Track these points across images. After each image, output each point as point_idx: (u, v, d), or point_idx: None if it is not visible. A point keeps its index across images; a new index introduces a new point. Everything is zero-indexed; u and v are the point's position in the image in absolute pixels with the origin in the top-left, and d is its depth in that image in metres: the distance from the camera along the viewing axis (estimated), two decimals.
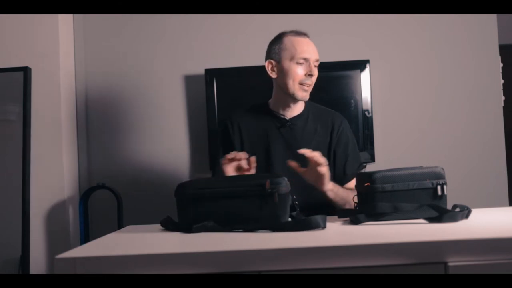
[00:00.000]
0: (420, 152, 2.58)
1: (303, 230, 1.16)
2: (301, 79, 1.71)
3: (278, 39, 1.76)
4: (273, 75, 1.76)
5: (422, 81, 2.60)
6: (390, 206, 1.25)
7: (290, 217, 1.30)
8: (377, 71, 2.58)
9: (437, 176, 1.33)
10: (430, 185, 1.31)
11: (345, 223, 1.29)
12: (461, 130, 2.58)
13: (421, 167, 1.39)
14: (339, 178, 1.73)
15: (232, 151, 1.75)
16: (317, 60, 1.74)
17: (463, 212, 1.26)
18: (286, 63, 1.72)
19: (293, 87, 1.72)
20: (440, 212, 1.24)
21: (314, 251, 0.95)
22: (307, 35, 1.76)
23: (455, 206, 1.32)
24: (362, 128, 2.49)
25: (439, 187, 1.31)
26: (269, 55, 1.78)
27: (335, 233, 1.13)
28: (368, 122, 2.50)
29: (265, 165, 1.73)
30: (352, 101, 2.50)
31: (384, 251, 0.95)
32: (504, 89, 2.60)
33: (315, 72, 1.73)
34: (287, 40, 1.73)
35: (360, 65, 2.51)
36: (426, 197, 1.31)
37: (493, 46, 2.59)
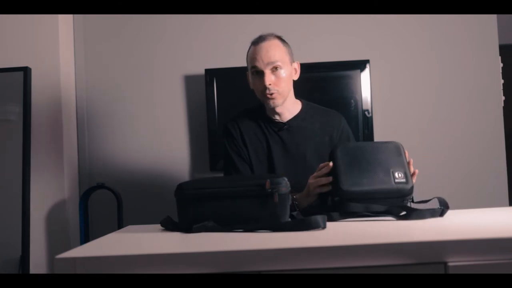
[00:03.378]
0: (420, 152, 2.58)
1: (303, 230, 1.16)
2: (261, 89, 1.67)
3: (248, 49, 1.73)
4: (251, 86, 1.76)
5: (422, 81, 2.60)
6: (362, 207, 1.30)
7: (290, 217, 1.30)
8: (377, 71, 2.58)
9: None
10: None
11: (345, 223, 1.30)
12: (461, 130, 2.58)
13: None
14: None
15: (242, 153, 1.74)
16: (272, 63, 1.64)
17: (435, 211, 1.29)
18: (249, 75, 1.73)
19: (260, 97, 1.71)
20: (408, 211, 1.28)
21: (314, 251, 0.95)
22: (268, 38, 1.67)
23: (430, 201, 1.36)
24: (362, 128, 2.49)
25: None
26: None
27: (335, 233, 1.13)
28: (368, 122, 2.50)
29: (267, 168, 1.73)
30: (352, 101, 2.50)
31: (384, 251, 0.95)
32: (504, 89, 2.61)
33: (271, 80, 1.64)
34: (249, 50, 1.72)
35: (360, 65, 2.51)
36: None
37: (493, 46, 2.59)
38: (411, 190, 1.34)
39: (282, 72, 1.66)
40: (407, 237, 1.03)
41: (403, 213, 1.29)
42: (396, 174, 1.33)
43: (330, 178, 1.42)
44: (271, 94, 1.66)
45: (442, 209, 1.31)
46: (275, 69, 1.65)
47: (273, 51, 1.65)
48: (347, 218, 1.31)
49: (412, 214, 1.26)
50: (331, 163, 1.40)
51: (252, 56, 1.68)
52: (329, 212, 1.30)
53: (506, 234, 1.00)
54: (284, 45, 1.70)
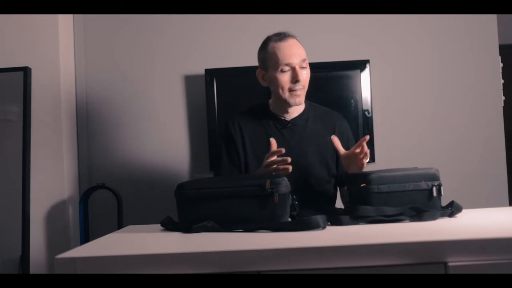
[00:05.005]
0: (420, 152, 2.58)
1: (303, 230, 1.16)
2: (289, 86, 1.68)
3: (263, 47, 1.73)
4: (264, 84, 1.76)
5: (422, 81, 2.60)
6: (373, 210, 1.26)
7: (290, 217, 1.30)
8: (377, 71, 2.58)
9: (432, 178, 1.34)
10: (426, 187, 1.32)
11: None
12: (461, 130, 2.58)
13: (416, 168, 1.39)
14: (342, 177, 1.74)
15: (235, 152, 1.75)
16: (303, 60, 1.68)
17: (445, 211, 1.29)
18: (272, 73, 1.70)
19: (284, 95, 1.71)
20: (420, 212, 1.26)
21: (314, 251, 0.95)
22: (290, 36, 1.70)
23: (451, 203, 1.34)
24: (362, 128, 2.49)
25: (434, 189, 1.31)
26: (258, 64, 1.77)
27: (335, 233, 1.13)
28: (368, 122, 2.50)
29: None
30: (352, 101, 2.50)
31: (384, 251, 0.95)
32: (504, 89, 2.60)
33: (303, 76, 1.67)
34: (271, 47, 1.70)
35: (360, 65, 2.51)
36: (422, 198, 1.31)
37: (493, 46, 2.59)
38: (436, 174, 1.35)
39: (307, 70, 1.71)
40: (407, 237, 1.03)
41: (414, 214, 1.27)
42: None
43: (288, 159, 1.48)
44: (299, 90, 1.68)
45: (452, 210, 1.30)
46: (303, 66, 1.69)
47: (301, 49, 1.70)
48: (358, 222, 1.26)
49: (424, 215, 1.25)
50: (283, 150, 1.50)
51: (283, 52, 1.67)
52: (339, 216, 1.27)
53: (506, 234, 1.00)
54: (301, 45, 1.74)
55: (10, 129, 2.39)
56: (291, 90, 1.68)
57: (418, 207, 1.28)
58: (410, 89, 2.61)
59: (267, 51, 1.70)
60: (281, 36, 1.69)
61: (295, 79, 1.66)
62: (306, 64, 1.69)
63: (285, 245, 0.99)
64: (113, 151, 2.62)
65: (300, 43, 1.73)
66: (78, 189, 2.58)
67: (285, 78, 1.68)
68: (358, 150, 1.54)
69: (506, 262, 0.94)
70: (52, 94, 2.44)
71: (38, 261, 2.39)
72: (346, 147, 1.77)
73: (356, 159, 1.56)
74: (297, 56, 1.67)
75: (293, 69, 1.67)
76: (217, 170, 1.85)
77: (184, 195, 1.27)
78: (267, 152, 1.74)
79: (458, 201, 1.35)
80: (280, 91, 1.70)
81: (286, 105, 1.73)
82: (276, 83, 1.70)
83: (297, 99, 1.70)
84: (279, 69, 1.68)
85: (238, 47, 2.59)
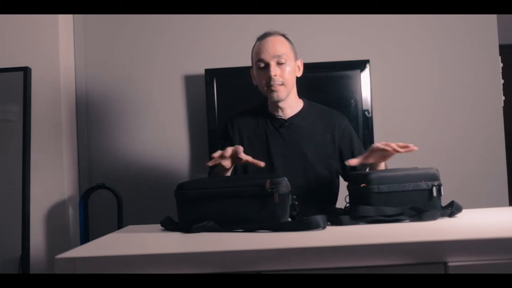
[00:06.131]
0: (420, 152, 2.56)
1: (303, 230, 1.16)
2: (265, 82, 1.70)
3: (253, 46, 1.77)
4: (254, 82, 1.78)
5: (422, 81, 2.60)
6: (373, 210, 1.26)
7: (290, 217, 1.30)
8: (377, 71, 2.58)
9: (432, 178, 1.34)
10: (426, 187, 1.32)
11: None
12: (461, 130, 2.58)
13: (416, 168, 1.40)
14: (347, 173, 1.73)
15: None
16: (279, 56, 1.67)
17: (445, 211, 1.29)
18: (254, 70, 1.76)
19: (264, 91, 1.73)
20: (420, 212, 1.26)
21: (314, 251, 0.95)
22: (274, 34, 1.72)
23: (451, 203, 1.34)
24: (362, 128, 2.49)
25: (434, 189, 1.32)
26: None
27: (335, 233, 1.13)
28: (368, 122, 2.50)
29: (267, 166, 1.72)
30: (352, 101, 2.50)
31: (384, 251, 0.95)
32: (504, 89, 2.60)
33: (277, 72, 1.67)
34: (254, 46, 1.75)
35: (360, 65, 2.51)
36: (422, 198, 1.31)
37: (493, 46, 2.59)
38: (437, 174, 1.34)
39: (287, 66, 1.70)
40: (407, 237, 1.03)
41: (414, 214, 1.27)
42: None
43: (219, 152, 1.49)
44: (276, 85, 1.68)
45: (452, 210, 1.30)
46: (280, 62, 1.69)
47: (279, 46, 1.70)
48: (358, 222, 1.26)
49: (424, 215, 1.25)
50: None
51: (258, 50, 1.71)
52: (339, 216, 1.27)
53: (506, 234, 1.00)
54: (288, 42, 1.75)
55: (10, 129, 2.39)
56: (268, 86, 1.70)
57: (418, 207, 1.28)
58: (410, 89, 2.61)
59: (252, 50, 1.75)
60: (264, 35, 1.73)
61: (267, 74, 1.68)
62: (285, 60, 1.69)
63: (285, 245, 0.99)
64: (113, 151, 2.62)
65: (289, 40, 1.75)
66: (78, 189, 2.58)
67: (261, 74, 1.71)
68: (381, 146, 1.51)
69: (506, 262, 0.94)
70: (52, 94, 2.44)
71: (38, 261, 2.39)
72: (349, 143, 1.77)
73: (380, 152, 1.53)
74: (270, 51, 1.68)
75: (267, 65, 1.68)
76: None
77: (184, 195, 1.27)
78: (265, 152, 1.74)
79: (458, 201, 1.35)
80: (260, 87, 1.74)
81: (274, 102, 1.74)
82: (256, 81, 1.75)
83: (275, 94, 1.70)
84: (256, 67, 1.72)
85: (238, 47, 2.59)
